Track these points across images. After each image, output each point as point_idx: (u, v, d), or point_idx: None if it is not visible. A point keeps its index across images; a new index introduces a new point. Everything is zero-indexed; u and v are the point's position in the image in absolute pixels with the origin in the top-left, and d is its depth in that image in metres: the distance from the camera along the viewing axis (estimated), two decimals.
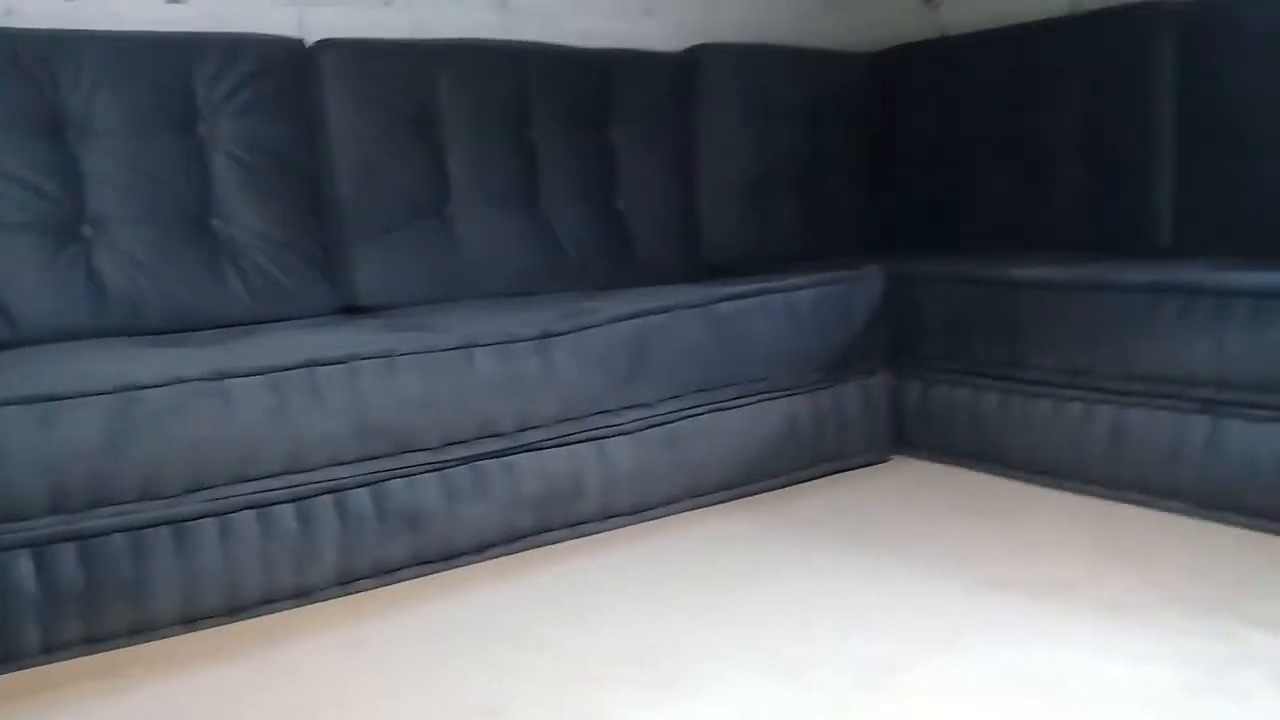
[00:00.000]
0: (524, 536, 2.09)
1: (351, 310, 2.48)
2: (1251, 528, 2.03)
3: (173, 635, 1.76)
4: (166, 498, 1.74)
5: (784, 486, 2.45)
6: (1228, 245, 2.56)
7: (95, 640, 1.70)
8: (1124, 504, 2.22)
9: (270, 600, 1.84)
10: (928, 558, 2.01)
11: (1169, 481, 2.16)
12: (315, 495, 1.86)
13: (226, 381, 1.78)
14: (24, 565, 1.65)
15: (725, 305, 2.34)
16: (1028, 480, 2.40)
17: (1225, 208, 2.63)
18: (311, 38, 2.53)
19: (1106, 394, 2.25)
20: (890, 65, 3.41)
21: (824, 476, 2.52)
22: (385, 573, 1.94)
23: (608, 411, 2.17)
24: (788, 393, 2.43)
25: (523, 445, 2.07)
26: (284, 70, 2.44)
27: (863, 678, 1.55)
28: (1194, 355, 2.10)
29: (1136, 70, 2.77)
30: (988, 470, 2.49)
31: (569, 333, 2.12)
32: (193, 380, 1.75)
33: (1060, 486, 2.34)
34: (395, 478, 1.94)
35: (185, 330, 2.22)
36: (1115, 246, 2.74)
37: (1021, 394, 2.41)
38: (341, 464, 1.88)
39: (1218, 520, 2.08)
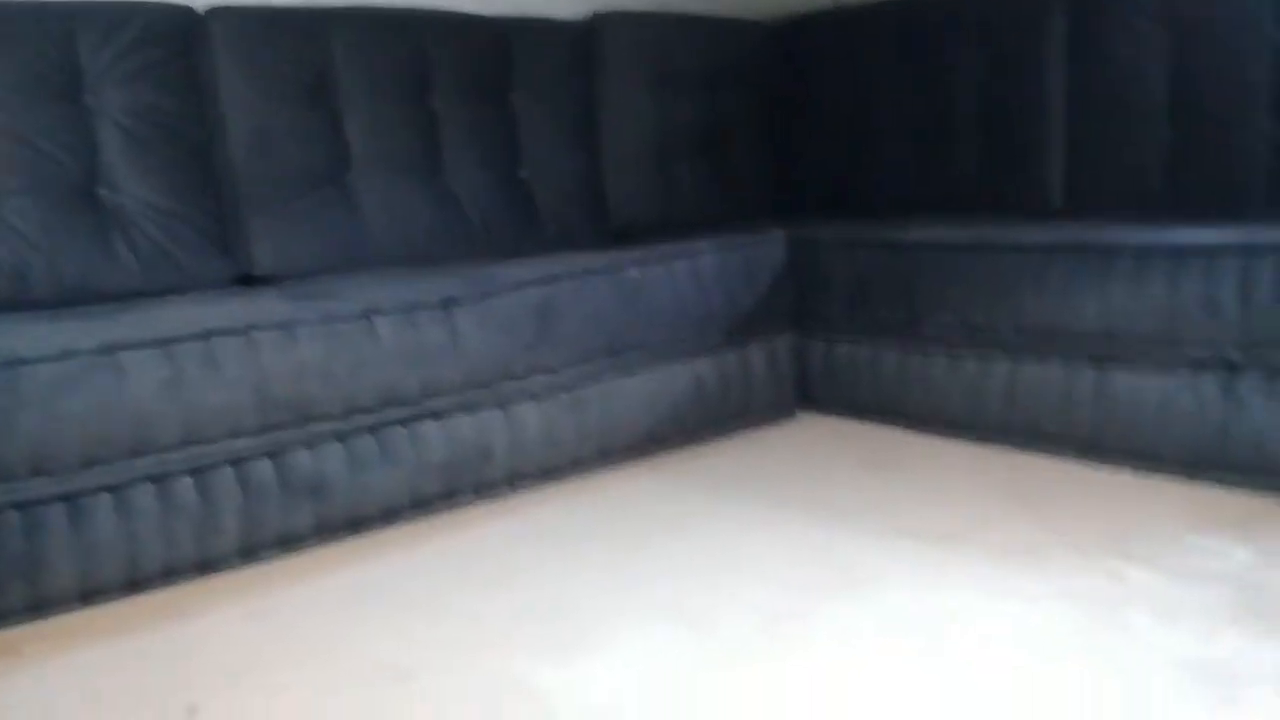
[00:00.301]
0: (431, 502, 2.08)
1: (249, 281, 2.43)
2: (1138, 471, 2.12)
3: (72, 611, 1.72)
4: (60, 473, 1.70)
5: (692, 446, 2.47)
6: (1116, 206, 2.64)
7: None
8: (1019, 453, 2.29)
9: (172, 574, 1.81)
10: (830, 510, 2.05)
11: (1061, 430, 2.23)
12: (215, 467, 1.83)
13: (119, 354, 1.74)
14: None
15: (631, 270, 2.36)
16: (928, 433, 2.47)
17: (1112, 171, 2.71)
18: (201, 4, 2.46)
19: (1001, 349, 2.32)
20: (791, 34, 3.43)
21: (731, 435, 2.55)
22: (289, 543, 1.92)
23: (514, 377, 2.17)
24: (694, 355, 2.46)
25: (428, 412, 2.06)
26: (173, 38, 2.36)
27: (765, 627, 1.59)
28: (1082, 310, 2.17)
29: (1029, 39, 2.82)
30: (890, 425, 2.55)
31: (473, 300, 2.11)
32: (83, 353, 1.71)
33: (959, 438, 2.41)
34: (298, 447, 1.91)
35: (75, 303, 2.15)
36: (1011, 209, 2.81)
37: (921, 351, 2.47)
38: (242, 435, 1.86)
39: (1107, 465, 2.16)
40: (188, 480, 1.81)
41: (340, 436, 1.96)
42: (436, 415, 2.07)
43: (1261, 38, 2.40)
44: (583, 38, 3.05)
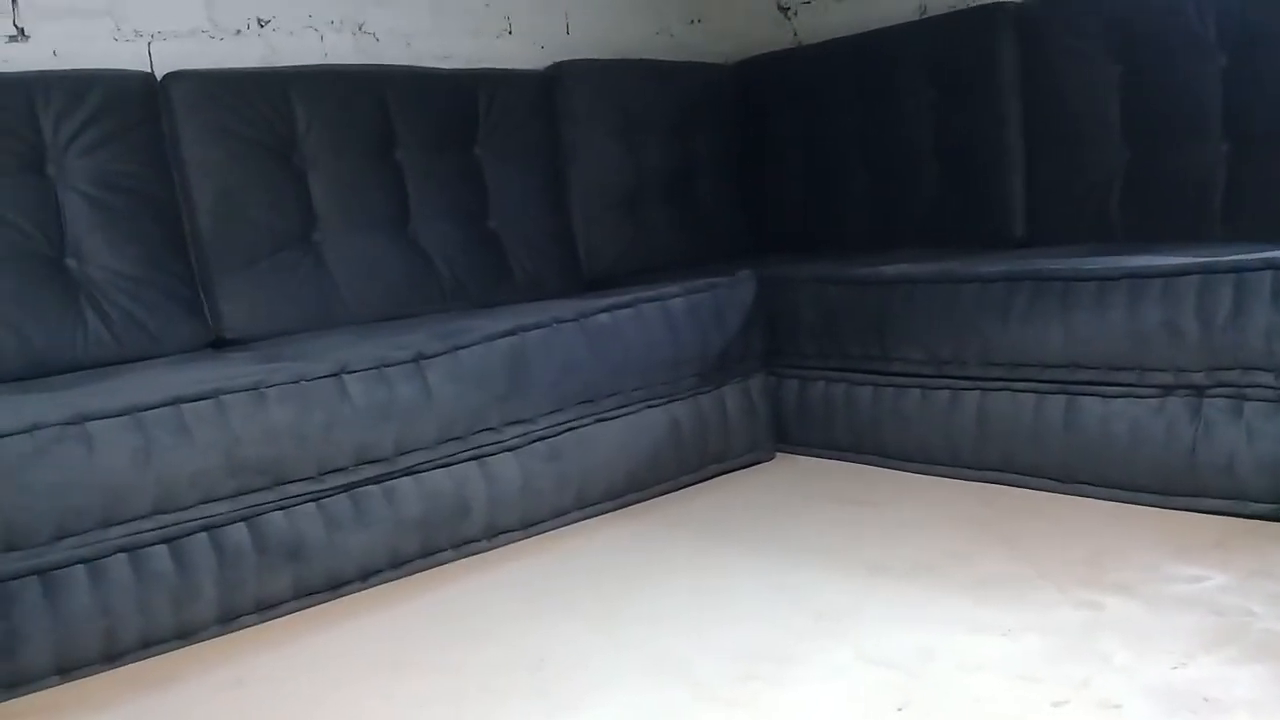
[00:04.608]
0: (410, 560, 2.07)
1: (220, 344, 2.44)
2: (1109, 498, 2.13)
3: (49, 687, 1.71)
4: (33, 546, 1.69)
5: (671, 491, 2.48)
6: (1076, 233, 2.69)
7: None
8: (992, 484, 2.30)
9: (149, 644, 1.80)
10: (807, 549, 2.06)
11: (1033, 460, 2.24)
12: (189, 534, 1.83)
13: (88, 424, 1.73)
14: None
15: (601, 317, 2.36)
16: (903, 468, 2.48)
17: (1072, 197, 2.75)
18: (161, 72, 2.48)
19: (971, 381, 2.34)
20: (751, 74, 3.48)
21: (710, 479, 2.55)
22: (268, 607, 1.91)
23: (489, 429, 2.17)
24: (669, 399, 2.46)
25: (403, 469, 2.06)
26: (134, 105, 2.38)
27: (745, 669, 1.59)
28: (1047, 339, 2.19)
29: (981, 69, 2.88)
30: (865, 461, 2.56)
31: (443, 354, 2.12)
32: (52, 425, 1.71)
33: (933, 472, 2.42)
34: (273, 510, 1.91)
35: (45, 375, 2.16)
36: (974, 240, 2.85)
37: (892, 386, 2.49)
38: (215, 500, 1.85)
39: (1078, 494, 2.17)
40: (162, 549, 1.80)
41: (315, 498, 1.96)
42: (412, 472, 2.07)
43: (1209, 59, 2.45)
44: (545, 88, 3.09)
